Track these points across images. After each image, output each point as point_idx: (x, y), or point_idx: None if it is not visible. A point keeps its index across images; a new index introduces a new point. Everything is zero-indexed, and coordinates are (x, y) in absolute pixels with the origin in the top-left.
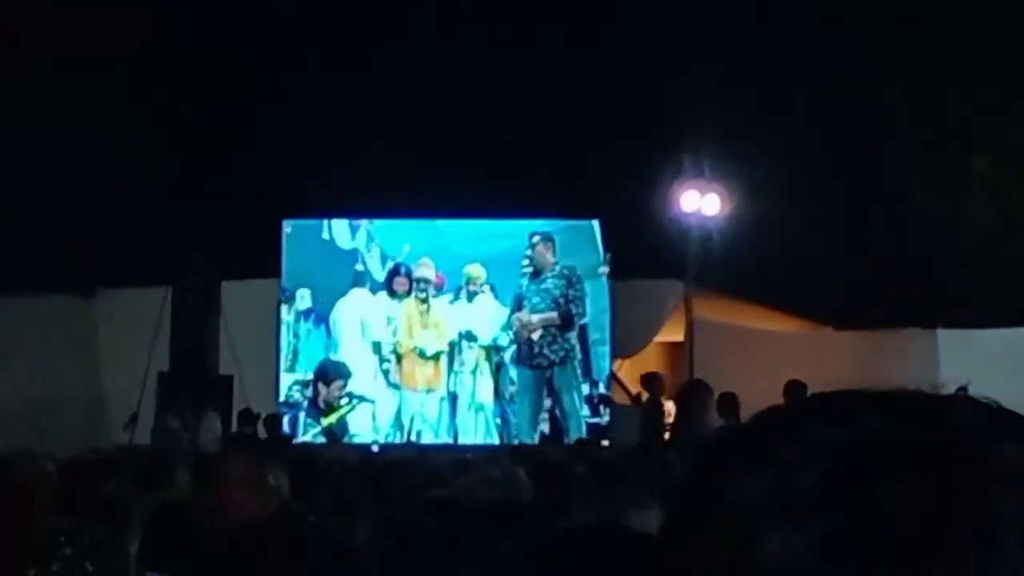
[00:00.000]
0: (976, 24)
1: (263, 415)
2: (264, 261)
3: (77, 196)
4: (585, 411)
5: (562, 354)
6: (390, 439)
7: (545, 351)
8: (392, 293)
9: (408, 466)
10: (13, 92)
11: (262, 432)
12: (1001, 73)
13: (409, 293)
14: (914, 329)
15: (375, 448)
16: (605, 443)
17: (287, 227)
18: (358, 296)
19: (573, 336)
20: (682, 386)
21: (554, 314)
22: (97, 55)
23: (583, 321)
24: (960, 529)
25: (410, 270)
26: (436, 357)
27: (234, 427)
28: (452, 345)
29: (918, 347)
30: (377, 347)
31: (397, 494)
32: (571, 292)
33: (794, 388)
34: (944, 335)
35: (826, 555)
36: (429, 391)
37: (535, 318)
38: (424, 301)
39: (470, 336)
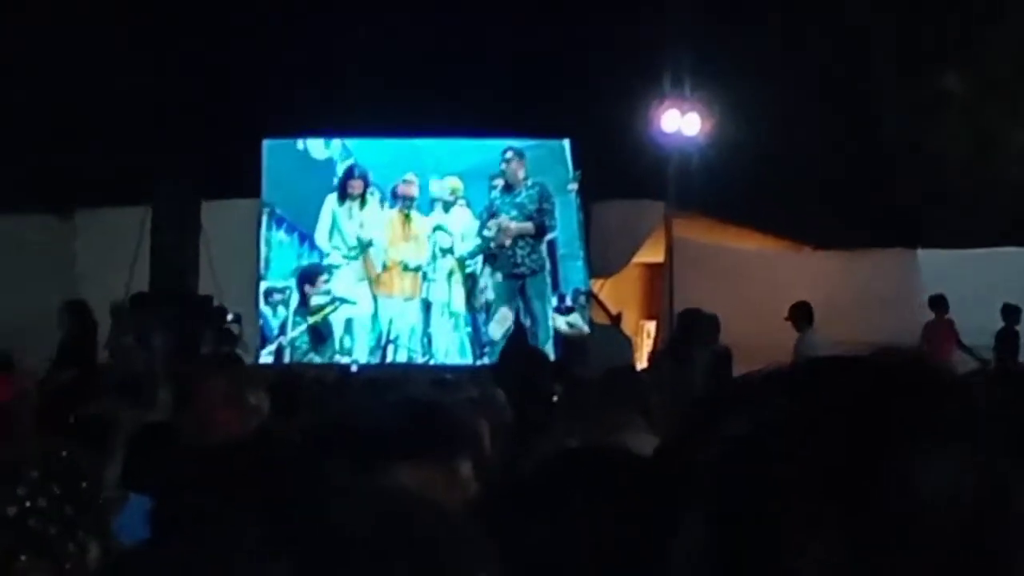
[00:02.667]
0: None
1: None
2: (244, 181)
3: (56, 116)
4: (555, 321)
5: (536, 266)
6: (369, 345)
7: (526, 260)
8: (345, 195)
9: (388, 387)
10: None
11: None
12: None
13: (364, 195)
14: (895, 249)
15: (354, 368)
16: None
17: (266, 146)
18: (334, 203)
19: (544, 248)
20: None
21: (529, 224)
22: None
23: (553, 235)
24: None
25: (364, 172)
26: (417, 269)
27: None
28: (430, 255)
29: (899, 267)
30: (355, 251)
31: None
32: (544, 205)
33: (799, 308)
34: (925, 255)
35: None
36: (407, 300)
37: (513, 224)
38: (407, 216)
39: (445, 246)
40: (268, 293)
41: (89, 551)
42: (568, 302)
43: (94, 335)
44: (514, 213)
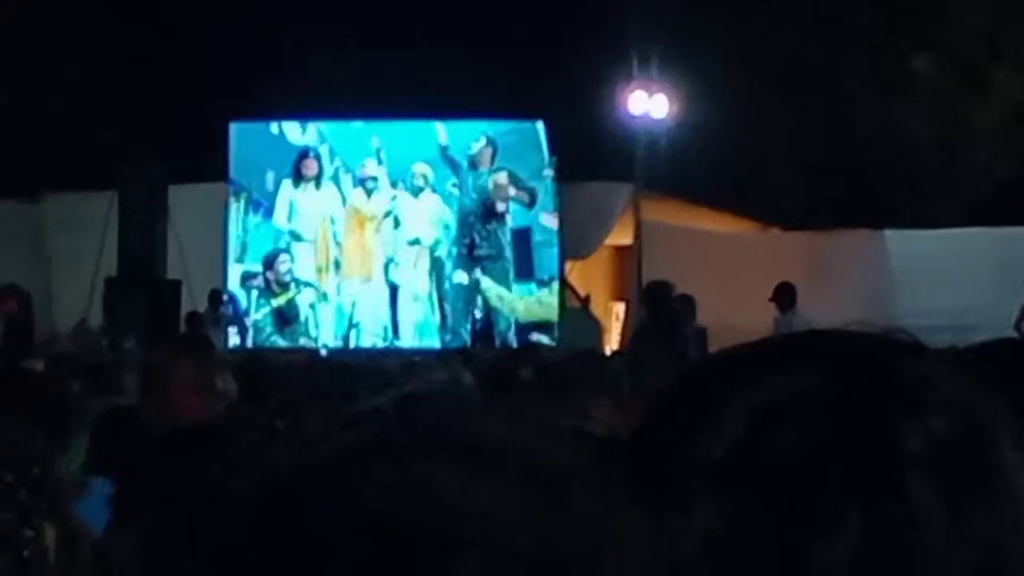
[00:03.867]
0: None
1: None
2: (211, 165)
3: (20, 102)
4: (518, 308)
5: (494, 251)
6: (334, 328)
7: (483, 245)
8: (300, 177)
9: (357, 371)
10: None
11: (205, 306)
12: None
13: (319, 177)
14: (862, 230)
15: (323, 352)
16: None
17: (234, 129)
18: (299, 189)
19: (507, 234)
20: (649, 287)
21: (524, 192)
22: None
23: (524, 224)
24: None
25: (318, 153)
26: (379, 253)
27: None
28: (396, 239)
29: (867, 247)
30: (311, 233)
31: (345, 399)
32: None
33: (784, 289)
34: (892, 235)
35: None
36: (366, 282)
37: (508, 182)
38: (368, 198)
39: (412, 231)
40: (245, 277)
41: (46, 536)
42: (546, 290)
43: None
44: (474, 195)
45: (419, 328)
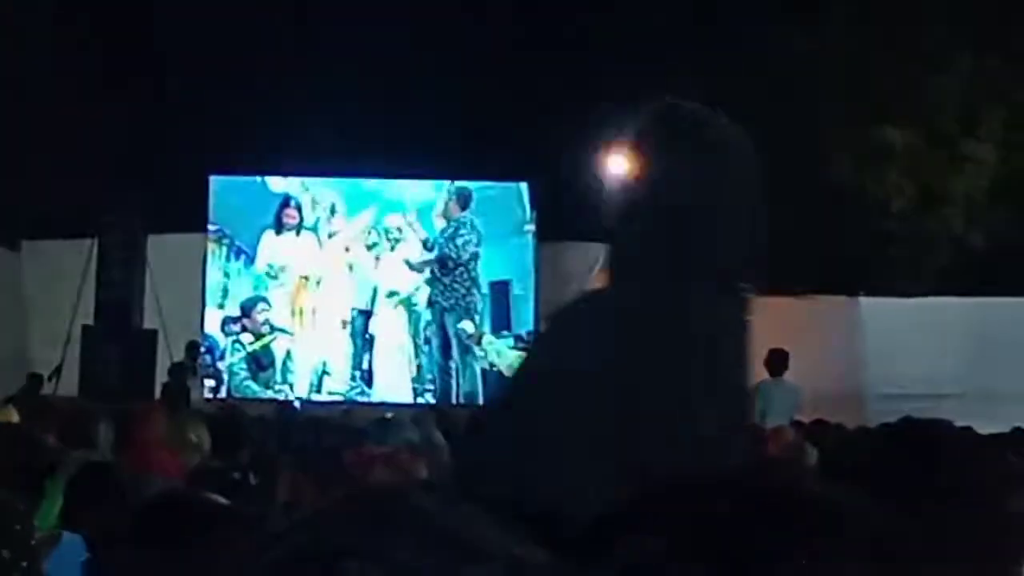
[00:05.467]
0: None
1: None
2: (190, 215)
3: (3, 148)
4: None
5: (454, 300)
6: (306, 376)
7: (446, 292)
8: (280, 226)
9: (330, 426)
10: None
11: (182, 356)
12: (923, 46)
13: (299, 226)
14: (837, 296)
15: (296, 404)
16: None
17: (214, 183)
18: (280, 237)
19: (465, 283)
20: None
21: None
22: (22, 4)
23: (504, 277)
24: None
25: (299, 203)
26: (353, 302)
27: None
28: (373, 290)
29: (842, 314)
30: (289, 281)
31: (319, 453)
32: (465, 238)
33: (775, 355)
34: (867, 303)
35: None
36: (343, 329)
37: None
38: (347, 248)
39: (388, 282)
40: (224, 322)
41: None
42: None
43: None
44: (451, 246)
45: (392, 379)
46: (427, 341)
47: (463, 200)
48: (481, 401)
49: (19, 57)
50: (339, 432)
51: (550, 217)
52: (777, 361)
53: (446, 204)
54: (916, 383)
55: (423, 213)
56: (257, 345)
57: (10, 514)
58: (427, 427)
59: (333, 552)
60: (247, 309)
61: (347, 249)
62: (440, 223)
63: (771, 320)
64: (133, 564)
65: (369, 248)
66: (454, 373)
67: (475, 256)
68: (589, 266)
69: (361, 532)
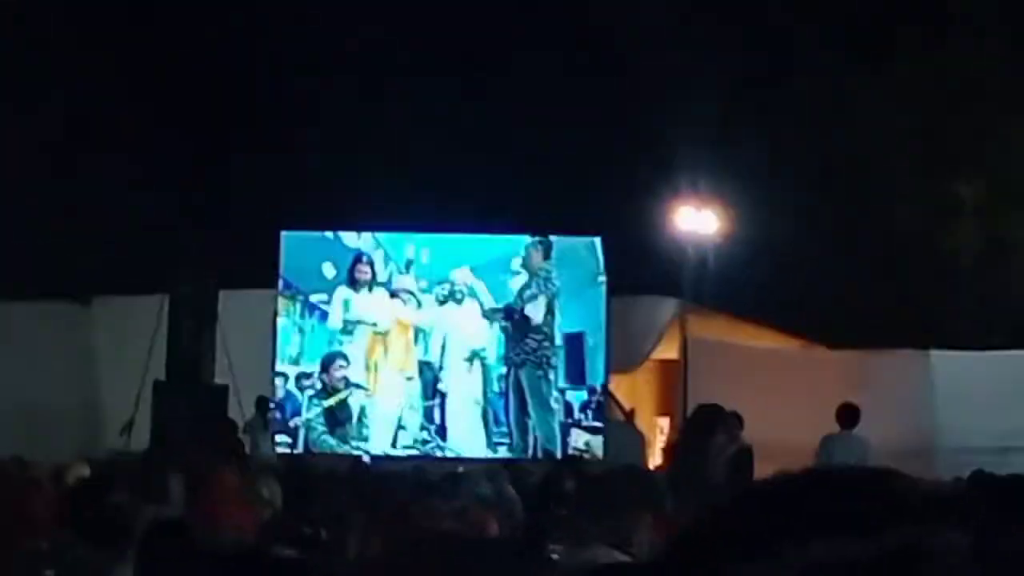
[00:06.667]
0: (972, 48)
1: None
2: (261, 271)
3: (77, 203)
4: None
5: (527, 355)
6: (382, 431)
7: (520, 349)
8: (354, 281)
9: (401, 481)
10: (16, 94)
11: (252, 414)
12: (993, 97)
13: (372, 282)
14: (907, 350)
15: (366, 459)
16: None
17: (285, 238)
18: (354, 293)
19: (537, 338)
20: (697, 411)
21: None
22: (96, 60)
23: (578, 329)
24: None
25: (371, 259)
26: (425, 358)
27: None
28: (444, 344)
29: (911, 368)
30: (364, 337)
31: (389, 507)
32: (536, 291)
33: (847, 410)
34: (937, 356)
35: None
36: (413, 385)
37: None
38: (420, 304)
39: (460, 337)
40: (299, 377)
41: None
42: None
43: None
44: (522, 299)
45: (465, 433)
46: (502, 394)
47: (546, 250)
48: (559, 455)
49: (93, 111)
50: (410, 487)
51: (616, 271)
52: (847, 415)
53: (529, 253)
54: (986, 436)
55: (494, 267)
56: (334, 400)
57: (92, 570)
58: (500, 482)
59: None
60: (326, 364)
61: (419, 304)
62: (519, 275)
63: (841, 373)
64: None
65: (441, 303)
66: (530, 427)
67: (550, 310)
68: (656, 319)
69: None
